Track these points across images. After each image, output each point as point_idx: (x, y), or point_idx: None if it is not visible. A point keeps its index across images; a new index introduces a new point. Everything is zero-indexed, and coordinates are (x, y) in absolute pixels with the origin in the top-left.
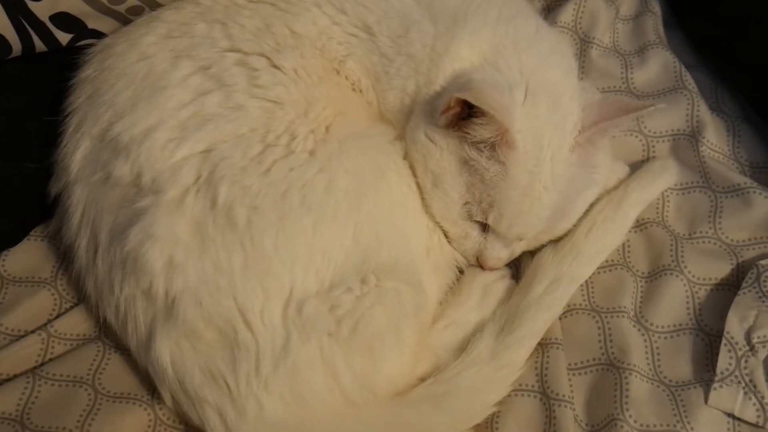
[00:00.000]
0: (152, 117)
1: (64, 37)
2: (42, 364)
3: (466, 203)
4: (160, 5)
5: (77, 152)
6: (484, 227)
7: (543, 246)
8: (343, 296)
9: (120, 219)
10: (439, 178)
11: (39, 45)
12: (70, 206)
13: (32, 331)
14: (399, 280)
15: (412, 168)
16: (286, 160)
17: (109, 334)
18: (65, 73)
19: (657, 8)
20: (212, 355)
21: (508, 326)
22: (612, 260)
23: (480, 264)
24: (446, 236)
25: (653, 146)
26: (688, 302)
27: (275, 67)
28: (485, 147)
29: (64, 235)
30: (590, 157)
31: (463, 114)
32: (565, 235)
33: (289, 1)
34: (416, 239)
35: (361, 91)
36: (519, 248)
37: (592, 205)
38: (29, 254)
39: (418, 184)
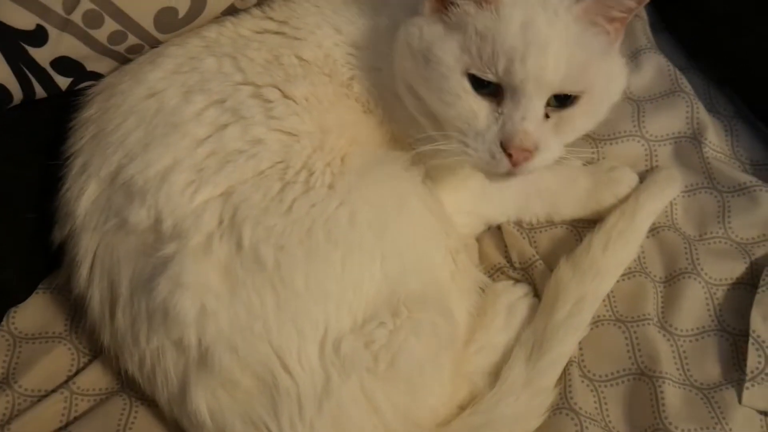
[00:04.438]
0: (167, 157)
1: (63, 82)
2: (68, 425)
3: (466, 70)
4: (161, 43)
5: (83, 196)
6: (496, 101)
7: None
8: (376, 331)
9: (140, 268)
10: (429, 49)
11: (39, 92)
12: (77, 254)
13: (53, 390)
14: (430, 310)
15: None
16: (307, 197)
17: (132, 386)
18: (59, 115)
19: (643, 13)
20: (252, 403)
21: (536, 350)
22: (629, 268)
23: (507, 150)
24: (456, 129)
25: (656, 151)
26: (708, 304)
27: (287, 97)
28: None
29: (73, 286)
30: (597, 35)
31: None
32: (584, 253)
33: (295, 26)
34: (440, 265)
35: (371, 112)
36: (546, 131)
37: (606, 220)
38: (39, 309)
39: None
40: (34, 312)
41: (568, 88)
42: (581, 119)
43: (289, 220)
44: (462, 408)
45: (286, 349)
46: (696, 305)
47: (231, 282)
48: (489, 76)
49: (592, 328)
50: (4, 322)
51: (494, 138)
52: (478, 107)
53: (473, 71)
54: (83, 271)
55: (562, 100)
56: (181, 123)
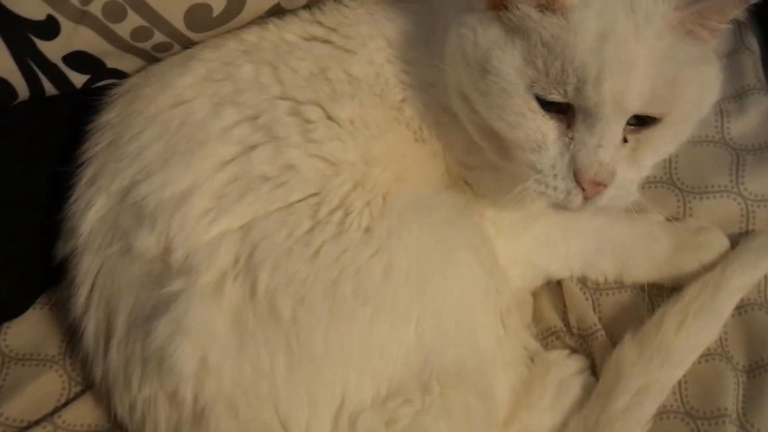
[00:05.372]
0: (186, 178)
1: (78, 79)
2: None
3: (530, 85)
4: (193, 43)
5: (89, 211)
6: (566, 120)
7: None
8: (401, 409)
9: (142, 301)
10: (486, 58)
11: (49, 88)
12: (77, 276)
13: (36, 422)
14: (466, 389)
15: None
16: (338, 240)
17: (122, 427)
18: (81, 116)
19: (755, 45)
20: None
21: None
22: (708, 349)
23: (579, 183)
24: (517, 156)
25: (754, 212)
26: None
27: (330, 118)
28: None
29: (71, 309)
30: (691, 44)
31: None
32: (654, 330)
33: (346, 35)
34: (486, 329)
35: (424, 141)
36: (623, 158)
37: (684, 292)
38: (34, 326)
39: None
40: (29, 329)
41: (652, 110)
42: (664, 140)
43: (314, 266)
44: None
45: (293, 419)
46: None
47: (240, 333)
48: (555, 97)
49: (655, 421)
50: None
51: (568, 171)
52: (547, 129)
53: (536, 90)
54: (81, 295)
55: (643, 119)
56: (206, 140)
